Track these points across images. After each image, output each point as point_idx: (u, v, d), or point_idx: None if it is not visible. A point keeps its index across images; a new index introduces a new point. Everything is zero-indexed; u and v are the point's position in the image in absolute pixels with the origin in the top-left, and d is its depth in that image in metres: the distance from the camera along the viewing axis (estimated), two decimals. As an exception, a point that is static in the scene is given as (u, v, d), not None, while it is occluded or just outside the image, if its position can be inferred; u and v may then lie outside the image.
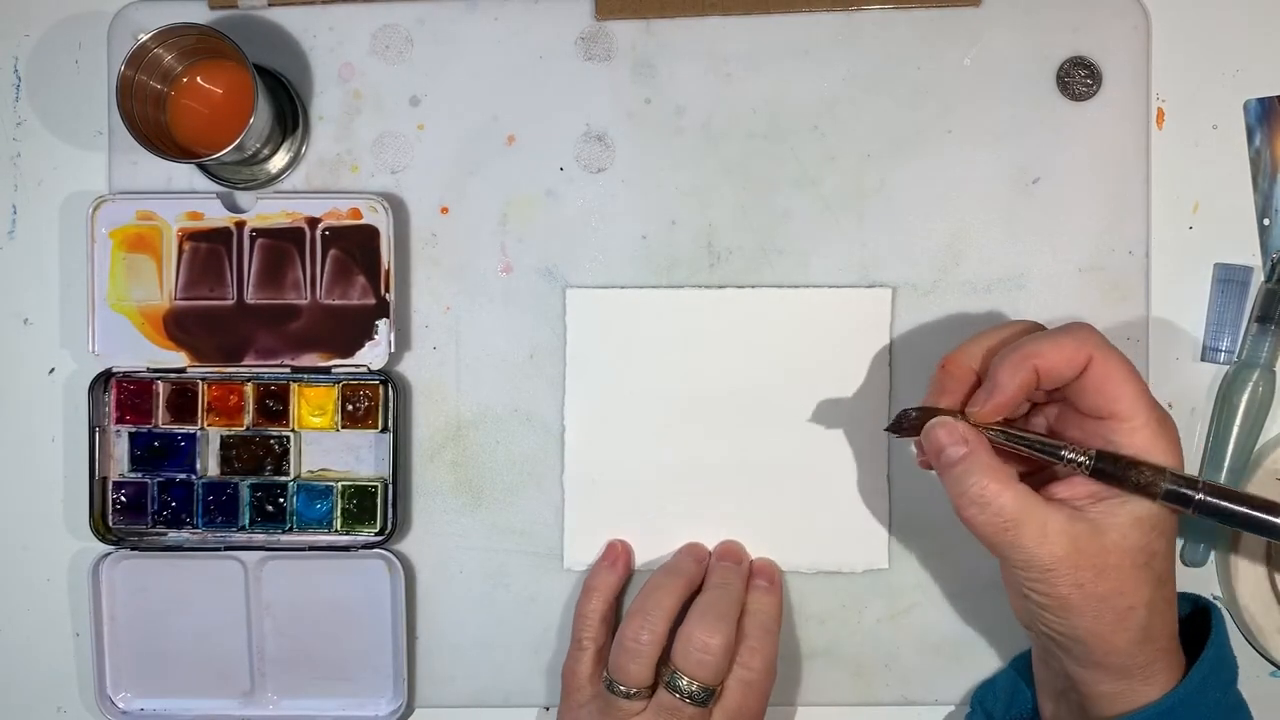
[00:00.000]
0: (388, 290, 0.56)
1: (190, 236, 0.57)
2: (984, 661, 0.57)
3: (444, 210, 0.58)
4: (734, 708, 0.52)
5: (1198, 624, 0.50)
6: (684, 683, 0.51)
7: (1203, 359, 0.57)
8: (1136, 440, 0.45)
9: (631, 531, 0.57)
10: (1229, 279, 0.57)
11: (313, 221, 0.57)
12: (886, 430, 0.50)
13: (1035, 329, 0.49)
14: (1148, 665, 0.46)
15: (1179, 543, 0.57)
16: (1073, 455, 0.46)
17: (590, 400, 0.57)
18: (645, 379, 0.57)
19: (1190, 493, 0.44)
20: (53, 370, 0.59)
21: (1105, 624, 0.45)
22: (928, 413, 0.48)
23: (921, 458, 0.49)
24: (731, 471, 0.57)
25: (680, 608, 0.53)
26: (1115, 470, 0.45)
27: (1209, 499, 0.44)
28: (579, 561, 0.57)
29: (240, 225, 0.57)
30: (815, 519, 0.57)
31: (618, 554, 0.56)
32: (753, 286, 0.57)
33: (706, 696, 0.51)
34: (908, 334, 0.57)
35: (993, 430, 0.47)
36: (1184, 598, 0.51)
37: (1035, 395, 0.48)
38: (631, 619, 0.52)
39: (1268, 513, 0.45)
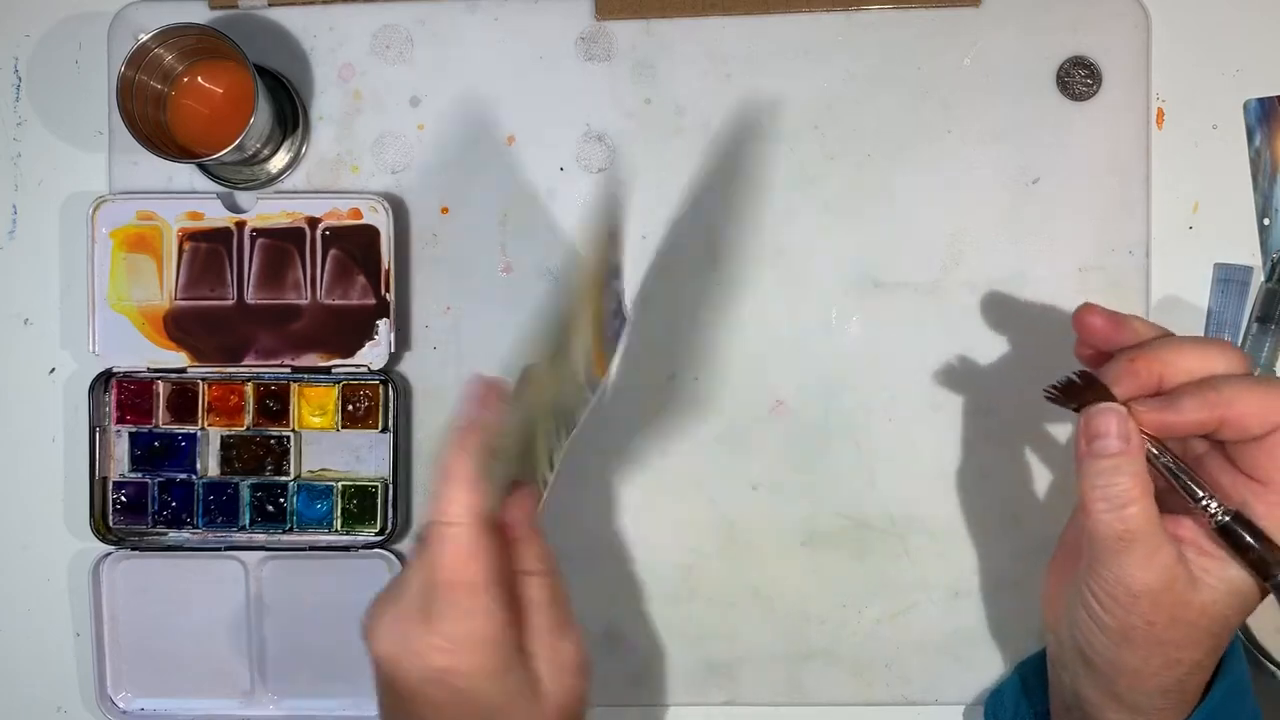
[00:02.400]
0: (388, 290, 0.56)
1: (190, 236, 0.57)
2: (985, 662, 0.57)
3: (444, 210, 0.58)
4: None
5: None
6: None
7: (1203, 359, 0.57)
8: (1275, 516, 0.42)
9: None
10: (1229, 279, 0.57)
11: (313, 221, 0.57)
12: (1046, 393, 0.46)
13: (1236, 357, 0.44)
14: (1161, 710, 0.45)
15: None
16: (1209, 503, 0.43)
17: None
18: None
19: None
20: (53, 370, 0.59)
21: (1150, 666, 0.43)
22: (1094, 390, 0.44)
23: (1092, 331, 0.46)
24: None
25: None
26: (1242, 537, 0.42)
27: None
28: None
29: (240, 225, 0.57)
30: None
31: None
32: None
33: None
34: (908, 334, 0.57)
35: (1148, 438, 0.44)
36: None
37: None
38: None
39: None
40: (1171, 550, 0.42)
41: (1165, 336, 0.45)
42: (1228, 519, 0.42)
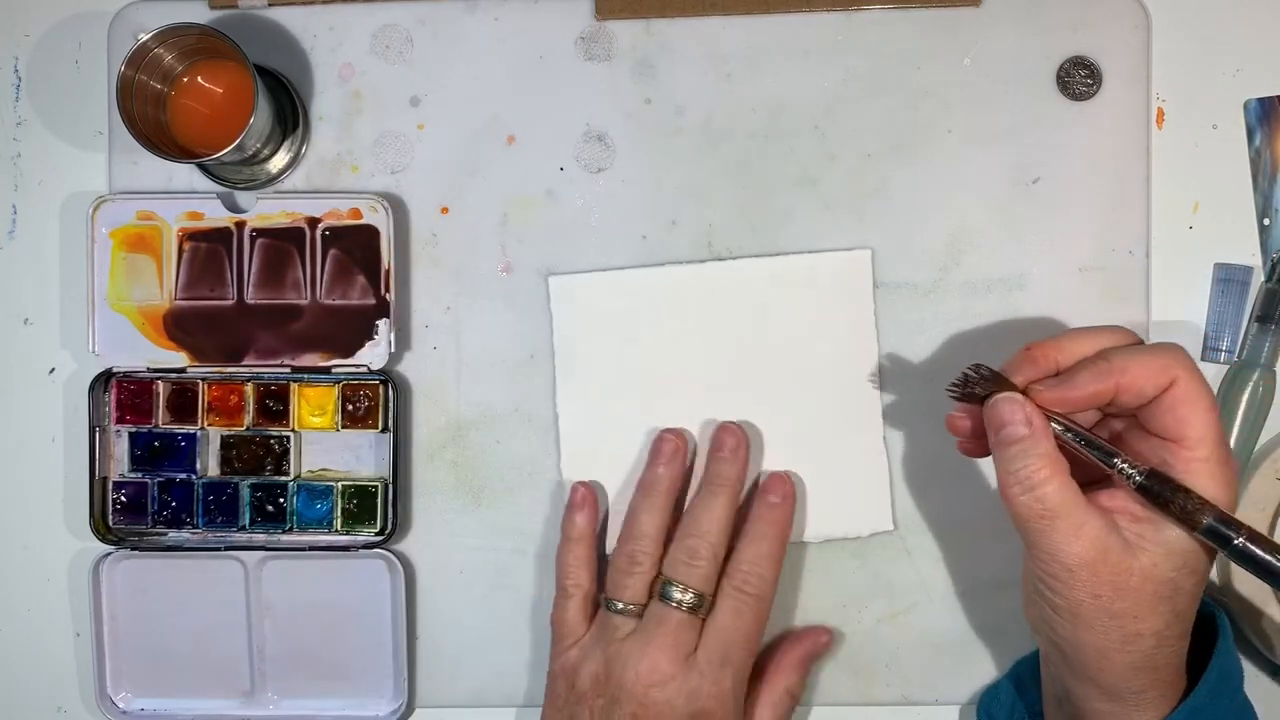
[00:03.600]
0: (388, 290, 0.56)
1: (190, 236, 0.57)
2: (985, 662, 0.57)
3: (444, 210, 0.58)
4: (726, 627, 0.52)
5: (1204, 629, 0.49)
6: (675, 590, 0.51)
7: (1203, 359, 0.57)
8: (1193, 470, 0.44)
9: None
10: (1229, 279, 0.57)
11: (313, 221, 0.57)
12: (949, 391, 0.48)
13: (1129, 338, 0.47)
14: (1141, 692, 0.45)
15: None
16: (1125, 466, 0.44)
17: (581, 385, 0.57)
18: (633, 359, 0.57)
19: (1231, 534, 0.43)
20: (53, 370, 0.59)
21: (1111, 642, 0.44)
22: (995, 381, 0.46)
23: (962, 430, 0.48)
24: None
25: (670, 521, 0.54)
26: (1162, 492, 0.44)
27: (1249, 545, 0.43)
28: None
29: (240, 225, 0.57)
30: (816, 487, 0.57)
31: (583, 497, 0.56)
32: (732, 258, 0.57)
33: (696, 604, 0.51)
34: (908, 334, 0.57)
35: (1054, 419, 0.46)
36: None
37: (1109, 409, 0.47)
38: (622, 545, 0.54)
39: None
40: (1099, 521, 0.44)
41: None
42: (1143, 477, 0.44)
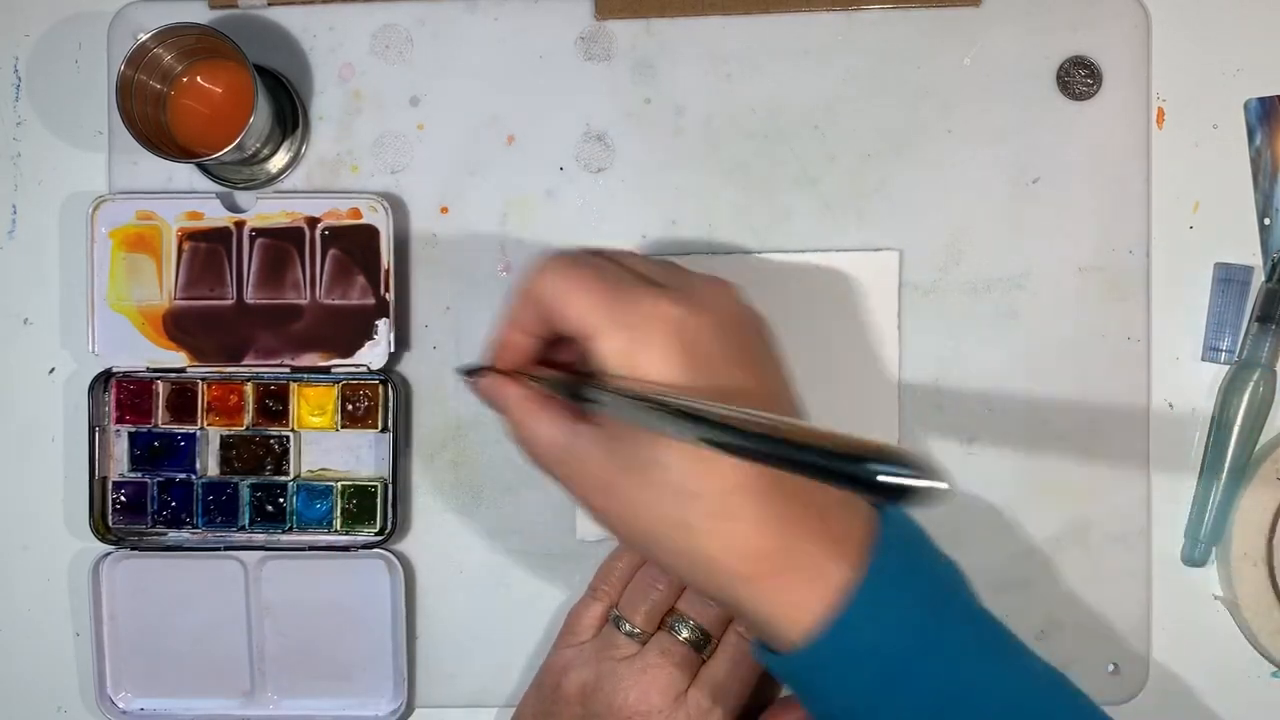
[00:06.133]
0: (388, 290, 0.56)
1: (190, 236, 0.57)
2: (984, 661, 0.57)
3: (444, 210, 0.58)
4: (721, 673, 0.51)
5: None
6: (684, 626, 0.51)
7: (1203, 359, 0.57)
8: (604, 351, 0.42)
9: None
10: (1229, 279, 0.57)
11: (312, 221, 0.57)
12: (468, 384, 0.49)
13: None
14: (745, 603, 0.42)
15: (1181, 542, 0.56)
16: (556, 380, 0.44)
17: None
18: None
19: (579, 399, 0.42)
20: (53, 370, 0.59)
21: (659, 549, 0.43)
22: (480, 372, 0.47)
23: None
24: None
25: None
26: (571, 387, 0.43)
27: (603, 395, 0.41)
28: (591, 532, 0.57)
29: (240, 225, 0.57)
30: None
31: None
32: (758, 253, 0.57)
33: (701, 642, 0.51)
34: (908, 334, 0.57)
35: (524, 375, 0.46)
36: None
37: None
38: (652, 567, 0.53)
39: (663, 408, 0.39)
40: (600, 435, 0.43)
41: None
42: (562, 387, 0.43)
